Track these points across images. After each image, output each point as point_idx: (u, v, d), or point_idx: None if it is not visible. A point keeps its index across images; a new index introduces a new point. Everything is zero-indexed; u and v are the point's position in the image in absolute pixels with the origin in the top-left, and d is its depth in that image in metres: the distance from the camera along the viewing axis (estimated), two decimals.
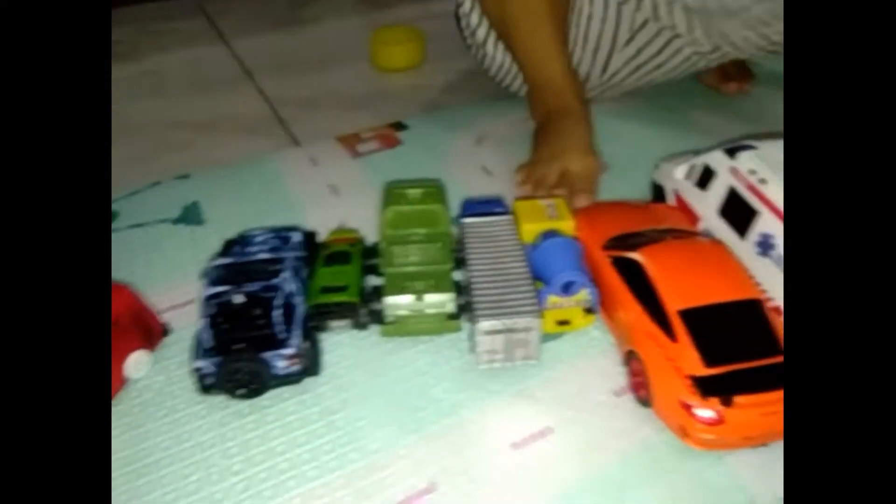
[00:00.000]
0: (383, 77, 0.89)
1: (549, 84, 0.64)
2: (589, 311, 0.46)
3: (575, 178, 0.56)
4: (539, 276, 0.45)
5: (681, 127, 0.70)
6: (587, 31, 0.65)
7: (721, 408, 0.37)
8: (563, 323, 0.46)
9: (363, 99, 0.85)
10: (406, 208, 0.48)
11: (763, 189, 0.44)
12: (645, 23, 0.64)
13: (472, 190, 0.61)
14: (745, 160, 0.46)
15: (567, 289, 0.44)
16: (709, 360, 0.38)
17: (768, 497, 0.36)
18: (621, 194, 0.58)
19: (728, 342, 0.39)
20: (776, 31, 0.61)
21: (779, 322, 0.41)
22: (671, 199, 0.54)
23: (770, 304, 0.42)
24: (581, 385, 0.43)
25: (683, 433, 0.38)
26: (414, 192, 0.49)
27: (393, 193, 0.50)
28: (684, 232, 0.48)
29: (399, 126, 0.75)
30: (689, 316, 0.39)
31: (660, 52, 0.66)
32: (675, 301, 0.40)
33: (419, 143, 0.72)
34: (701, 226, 0.50)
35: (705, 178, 0.49)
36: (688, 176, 0.52)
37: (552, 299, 0.44)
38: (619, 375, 0.43)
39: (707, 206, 0.49)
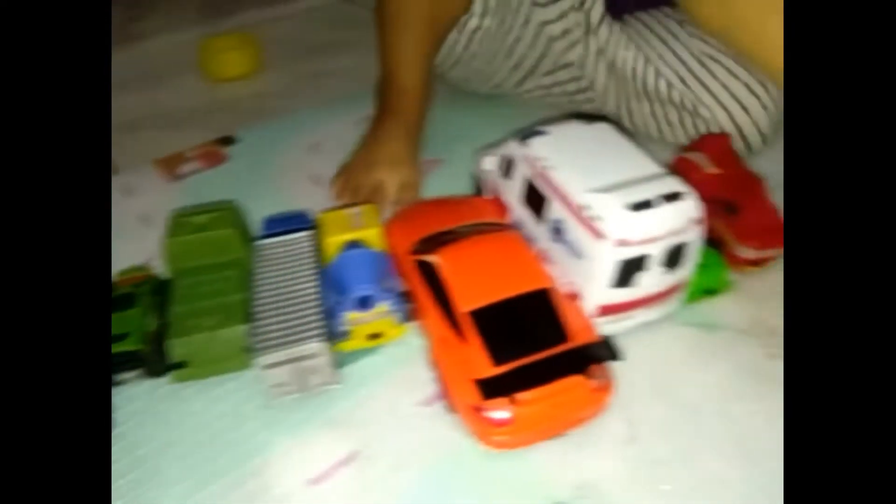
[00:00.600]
0: (217, 89, 0.84)
1: (403, 87, 0.60)
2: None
3: (390, 189, 0.54)
4: (338, 293, 0.43)
5: (524, 115, 0.69)
6: (512, 50, 0.65)
7: (510, 406, 0.36)
8: (375, 336, 0.44)
9: (195, 115, 0.78)
10: (191, 237, 0.44)
11: (551, 175, 0.43)
12: (567, 65, 0.65)
13: (300, 203, 0.57)
14: (535, 147, 0.46)
15: (365, 303, 0.42)
16: (498, 359, 0.37)
17: (567, 489, 0.36)
18: (460, 190, 0.57)
19: (516, 338, 0.38)
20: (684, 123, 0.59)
21: (571, 307, 0.41)
22: (488, 192, 0.53)
23: (563, 291, 0.41)
24: (390, 400, 0.41)
25: (481, 436, 0.37)
26: (200, 219, 0.45)
27: (177, 222, 0.46)
28: (492, 225, 0.47)
29: (227, 141, 0.70)
30: (478, 316, 0.38)
31: (574, 94, 0.68)
32: (465, 302, 0.39)
33: (246, 157, 0.67)
34: (511, 216, 0.49)
35: (508, 168, 0.49)
36: (496, 166, 0.51)
37: (351, 316, 0.42)
38: (430, 384, 0.42)
39: (513, 196, 0.48)
